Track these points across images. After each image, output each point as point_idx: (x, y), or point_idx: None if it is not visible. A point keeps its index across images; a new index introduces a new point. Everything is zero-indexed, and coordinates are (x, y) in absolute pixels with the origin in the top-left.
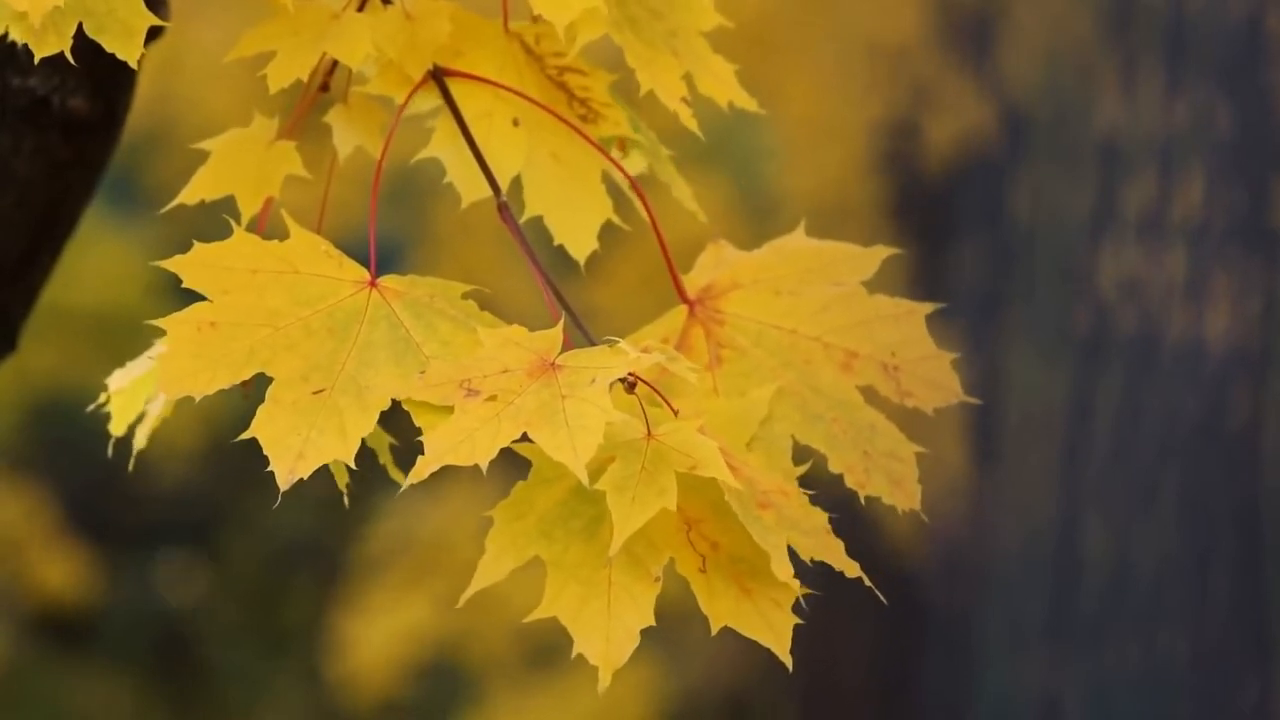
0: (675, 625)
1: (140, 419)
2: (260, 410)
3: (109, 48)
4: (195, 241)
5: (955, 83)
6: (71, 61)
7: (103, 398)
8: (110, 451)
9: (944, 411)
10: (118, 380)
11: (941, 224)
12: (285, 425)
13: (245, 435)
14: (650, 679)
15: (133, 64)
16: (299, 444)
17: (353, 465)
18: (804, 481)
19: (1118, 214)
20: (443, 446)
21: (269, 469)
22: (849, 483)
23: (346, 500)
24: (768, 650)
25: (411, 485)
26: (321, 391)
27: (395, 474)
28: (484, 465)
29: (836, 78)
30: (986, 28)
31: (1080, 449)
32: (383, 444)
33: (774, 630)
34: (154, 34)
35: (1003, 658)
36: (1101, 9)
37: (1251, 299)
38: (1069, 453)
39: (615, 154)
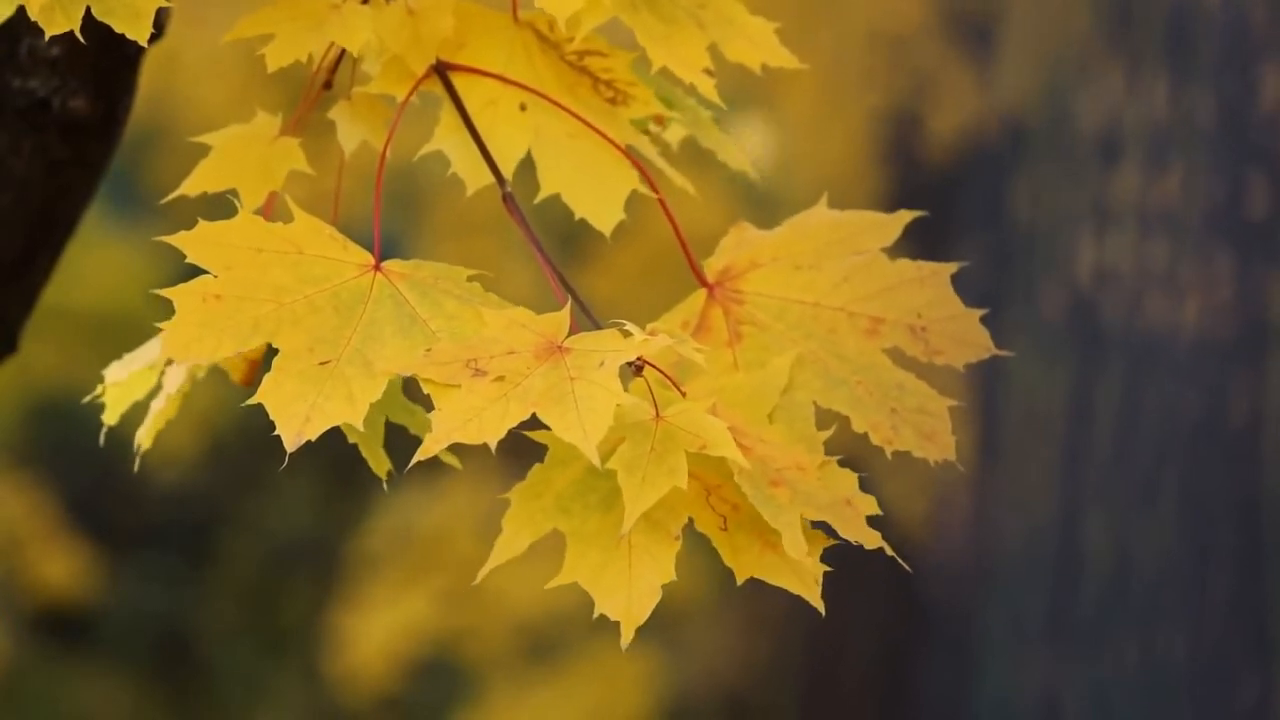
0: (674, 623)
1: (136, 411)
2: (266, 379)
3: (118, 29)
4: (200, 219)
5: (955, 75)
6: (80, 39)
7: (99, 389)
8: (103, 440)
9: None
10: (115, 372)
11: (941, 222)
12: (292, 391)
13: (251, 402)
14: (649, 676)
15: (143, 44)
16: (305, 409)
17: (362, 429)
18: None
19: (1119, 212)
20: (451, 424)
21: (268, 467)
22: (875, 440)
23: (386, 485)
24: (768, 648)
25: (411, 481)
26: (328, 363)
27: (422, 452)
28: (493, 445)
29: (837, 68)
30: (986, 22)
31: (1080, 448)
32: (415, 419)
33: (801, 578)
34: (157, 27)
35: (1003, 657)
36: (1101, 5)
37: (1253, 297)
38: (1069, 452)
39: (654, 129)
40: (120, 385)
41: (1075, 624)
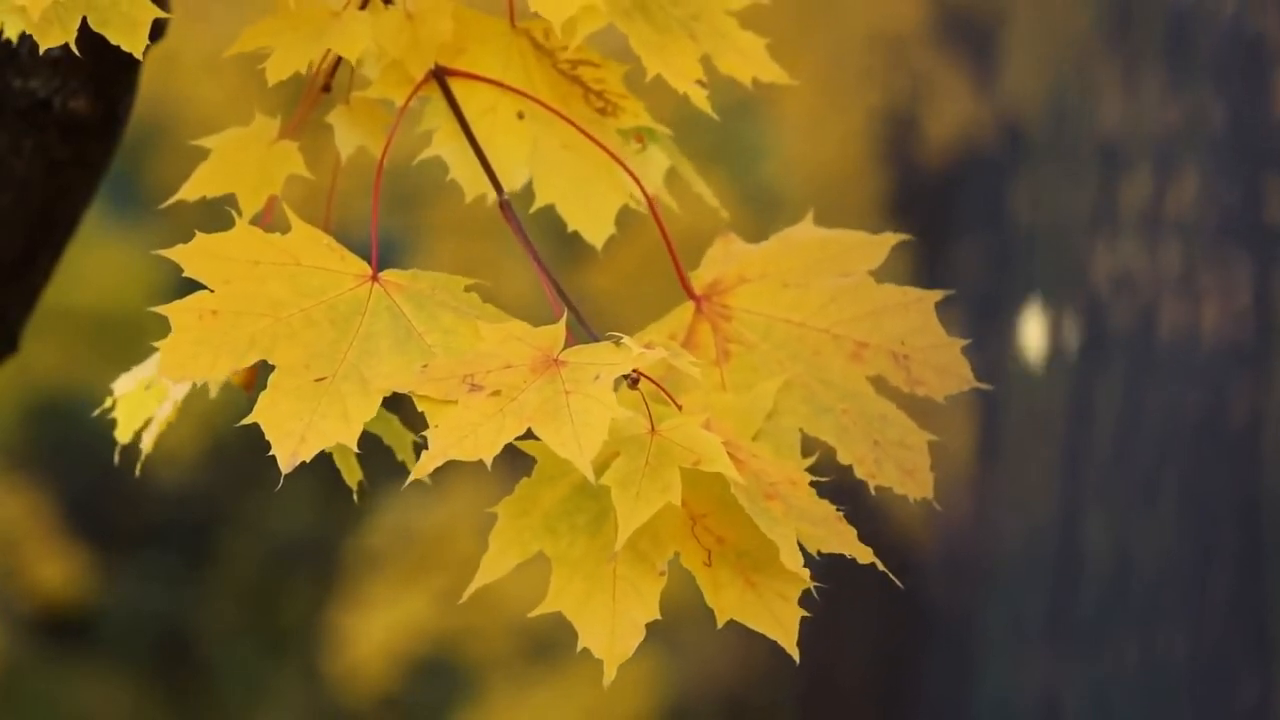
0: (674, 623)
1: (146, 423)
2: (262, 396)
3: (113, 40)
4: (197, 232)
5: (956, 76)
6: (76, 53)
7: (108, 402)
8: (116, 458)
9: (948, 408)
10: (123, 384)
11: (940, 223)
12: (287, 410)
13: (247, 420)
14: (648, 676)
15: (138, 56)
16: (301, 428)
17: (356, 449)
18: (811, 474)
19: (1119, 213)
20: (447, 441)
21: (268, 467)
22: (859, 473)
23: (357, 497)
24: (767, 649)
25: (412, 480)
26: (324, 379)
27: (417, 471)
28: (488, 460)
29: (836, 68)
30: (987, 22)
31: (1081, 448)
32: (404, 441)
33: (780, 624)
34: (157, 32)
35: (1003, 657)
36: (1102, 6)
37: (1258, 299)
38: (1069, 452)
39: (633, 147)
40: (130, 398)
41: (1075, 624)
